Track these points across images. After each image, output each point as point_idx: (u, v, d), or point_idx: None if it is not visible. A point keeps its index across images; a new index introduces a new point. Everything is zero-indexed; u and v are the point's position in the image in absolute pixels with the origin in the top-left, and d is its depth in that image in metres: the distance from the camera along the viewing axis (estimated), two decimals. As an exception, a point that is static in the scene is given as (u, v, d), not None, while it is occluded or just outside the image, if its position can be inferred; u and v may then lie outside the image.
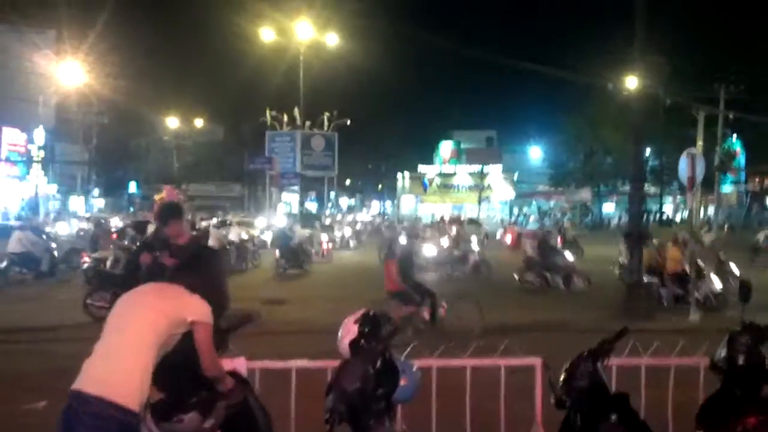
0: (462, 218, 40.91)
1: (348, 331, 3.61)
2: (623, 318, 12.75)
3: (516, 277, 18.08)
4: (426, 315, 11.60)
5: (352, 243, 33.84)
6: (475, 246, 23.19)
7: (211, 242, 21.42)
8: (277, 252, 21.96)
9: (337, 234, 33.10)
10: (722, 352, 3.83)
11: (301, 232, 26.53)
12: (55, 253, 19.89)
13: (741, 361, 3.70)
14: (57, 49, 46.00)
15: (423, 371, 4.14)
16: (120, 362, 3.67)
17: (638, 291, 13.22)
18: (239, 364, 4.53)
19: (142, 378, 3.66)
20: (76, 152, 55.17)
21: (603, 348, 3.77)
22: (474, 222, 34.39)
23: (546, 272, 17.66)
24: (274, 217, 24.53)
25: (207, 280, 4.25)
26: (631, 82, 31.91)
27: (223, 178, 69.65)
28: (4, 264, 18.04)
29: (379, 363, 3.49)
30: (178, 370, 3.94)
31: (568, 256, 18.70)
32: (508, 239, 33.72)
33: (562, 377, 3.67)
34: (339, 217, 46.27)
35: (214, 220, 33.75)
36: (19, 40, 44.19)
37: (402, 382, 3.57)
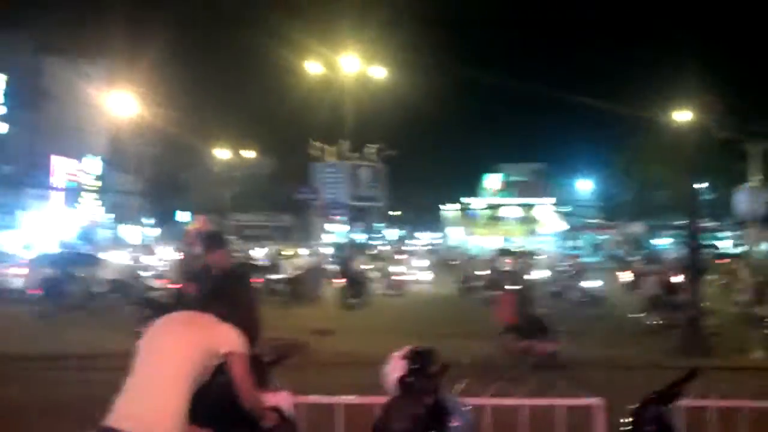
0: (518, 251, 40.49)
1: (395, 367, 3.40)
2: (681, 355, 12.27)
3: (639, 315, 16.79)
4: (542, 350, 11.32)
5: (427, 276, 30.13)
6: (593, 282, 22.60)
7: (289, 271, 22.74)
8: (341, 281, 22.19)
9: (412, 265, 31.05)
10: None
11: (373, 263, 26.83)
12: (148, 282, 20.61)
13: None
14: (109, 79, 46.81)
15: (476, 411, 3.90)
16: (154, 398, 3.49)
17: (697, 327, 12.69)
18: (283, 398, 4.32)
19: (177, 415, 3.48)
20: (128, 182, 56.17)
21: (672, 390, 3.47)
22: (527, 254, 33.40)
23: (672, 311, 16.23)
24: (321, 247, 24.40)
25: (238, 308, 4.05)
26: (683, 116, 31.41)
27: (271, 208, 70.16)
28: (105, 290, 19.27)
29: (429, 402, 3.27)
30: (215, 406, 3.75)
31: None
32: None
33: (628, 421, 3.39)
34: (390, 247, 45.94)
35: (267, 250, 33.82)
36: (73, 70, 45.20)
37: (454, 423, 3.34)
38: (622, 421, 3.44)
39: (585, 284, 22.44)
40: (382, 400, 3.81)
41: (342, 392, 5.19)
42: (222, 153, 63.55)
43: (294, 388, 4.61)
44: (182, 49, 57.88)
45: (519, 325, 11.48)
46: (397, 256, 34.70)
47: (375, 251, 39.93)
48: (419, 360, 3.36)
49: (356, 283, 22.11)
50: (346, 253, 25.49)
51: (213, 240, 6.22)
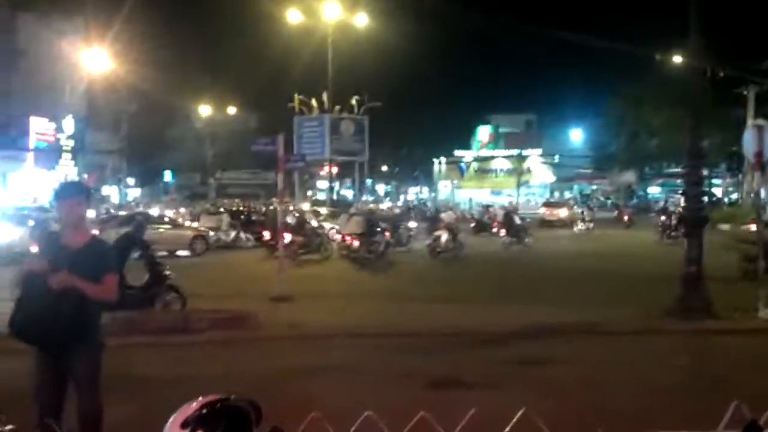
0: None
1: None
2: (680, 317, 11.04)
3: None
4: None
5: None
6: None
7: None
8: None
9: None
10: None
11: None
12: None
13: None
14: (85, 35, 45.37)
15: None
16: None
17: (698, 285, 11.39)
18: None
19: None
20: (105, 141, 54.52)
21: None
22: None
23: None
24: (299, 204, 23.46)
25: None
26: (679, 58, 30.04)
27: (258, 165, 68.69)
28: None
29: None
30: None
31: None
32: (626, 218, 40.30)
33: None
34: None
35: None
36: (48, 26, 43.59)
37: None
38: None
39: None
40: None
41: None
42: (204, 109, 62.08)
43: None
44: (159, 3, 55.80)
45: None
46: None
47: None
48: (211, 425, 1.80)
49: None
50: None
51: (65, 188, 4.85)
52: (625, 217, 40.51)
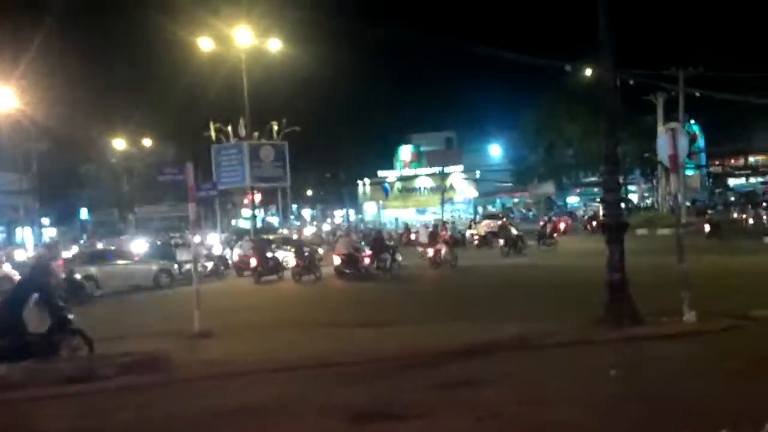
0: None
1: None
2: (609, 325, 10.93)
3: None
4: None
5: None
6: None
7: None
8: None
9: None
10: None
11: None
12: None
13: None
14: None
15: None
16: None
17: (623, 291, 11.32)
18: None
19: None
20: (16, 181, 52.40)
21: None
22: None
23: None
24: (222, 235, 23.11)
25: None
26: (590, 70, 30.91)
27: (177, 198, 67.22)
28: None
29: None
30: None
31: None
32: (562, 227, 41.96)
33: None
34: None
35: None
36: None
37: None
38: None
39: None
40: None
41: None
42: (119, 143, 60.41)
43: None
44: (66, 38, 54.16)
45: None
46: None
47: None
48: None
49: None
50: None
51: None
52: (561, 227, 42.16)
